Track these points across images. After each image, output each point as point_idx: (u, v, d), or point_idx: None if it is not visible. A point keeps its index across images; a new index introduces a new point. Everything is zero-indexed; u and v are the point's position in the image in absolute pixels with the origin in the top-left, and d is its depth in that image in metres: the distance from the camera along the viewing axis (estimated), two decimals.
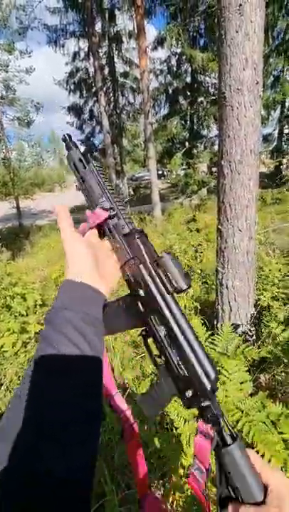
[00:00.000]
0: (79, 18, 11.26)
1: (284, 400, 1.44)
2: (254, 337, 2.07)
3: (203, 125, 11.54)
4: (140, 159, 16.52)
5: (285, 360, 1.63)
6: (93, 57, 10.16)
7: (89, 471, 0.35)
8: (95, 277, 0.47)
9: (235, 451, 0.40)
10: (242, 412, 1.25)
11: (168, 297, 0.44)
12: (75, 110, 13.75)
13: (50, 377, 0.37)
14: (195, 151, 11.45)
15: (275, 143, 12.46)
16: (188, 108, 11.20)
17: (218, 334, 1.74)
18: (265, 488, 0.38)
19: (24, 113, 11.78)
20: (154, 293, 0.45)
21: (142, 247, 0.48)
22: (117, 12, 11.32)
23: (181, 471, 1.23)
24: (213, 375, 0.41)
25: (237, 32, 1.60)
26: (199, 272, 3.50)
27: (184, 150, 10.81)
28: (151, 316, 0.45)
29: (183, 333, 0.43)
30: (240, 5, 1.55)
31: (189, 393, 0.42)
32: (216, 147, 10.44)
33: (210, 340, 1.69)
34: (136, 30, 8.59)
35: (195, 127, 11.77)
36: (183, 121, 11.51)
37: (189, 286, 0.43)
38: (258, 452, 1.08)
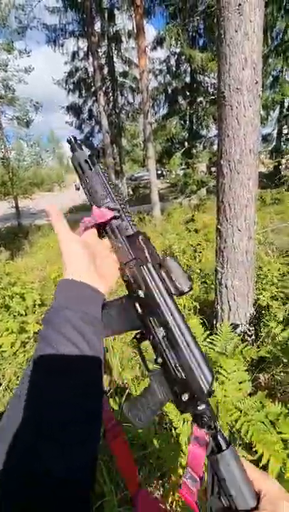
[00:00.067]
0: (78, 18, 11.28)
1: (283, 399, 1.44)
2: (253, 336, 2.07)
3: (202, 125, 11.56)
4: (139, 159, 16.50)
5: (284, 360, 1.63)
6: (92, 56, 10.16)
7: (89, 471, 0.35)
8: (93, 276, 0.47)
9: (230, 456, 0.40)
10: (241, 411, 1.25)
11: (168, 299, 0.44)
12: (74, 110, 13.75)
13: (49, 377, 0.37)
14: (194, 150, 11.48)
15: (274, 143, 12.50)
16: (188, 108, 11.23)
17: (217, 334, 1.74)
18: (258, 495, 0.38)
19: (23, 112, 11.74)
20: (155, 294, 0.44)
21: (144, 248, 0.48)
22: (116, 12, 11.35)
23: (180, 471, 1.23)
24: (210, 379, 0.41)
25: (236, 31, 1.60)
26: (198, 271, 3.51)
27: (183, 150, 10.83)
28: (150, 318, 0.45)
29: (181, 335, 0.43)
30: (240, 4, 1.55)
31: (186, 396, 0.42)
32: (215, 147, 10.46)
33: (209, 339, 1.69)
34: (135, 30, 8.59)
35: (194, 127, 11.79)
36: (182, 121, 11.53)
37: (191, 289, 0.42)
38: (256, 452, 1.09)
